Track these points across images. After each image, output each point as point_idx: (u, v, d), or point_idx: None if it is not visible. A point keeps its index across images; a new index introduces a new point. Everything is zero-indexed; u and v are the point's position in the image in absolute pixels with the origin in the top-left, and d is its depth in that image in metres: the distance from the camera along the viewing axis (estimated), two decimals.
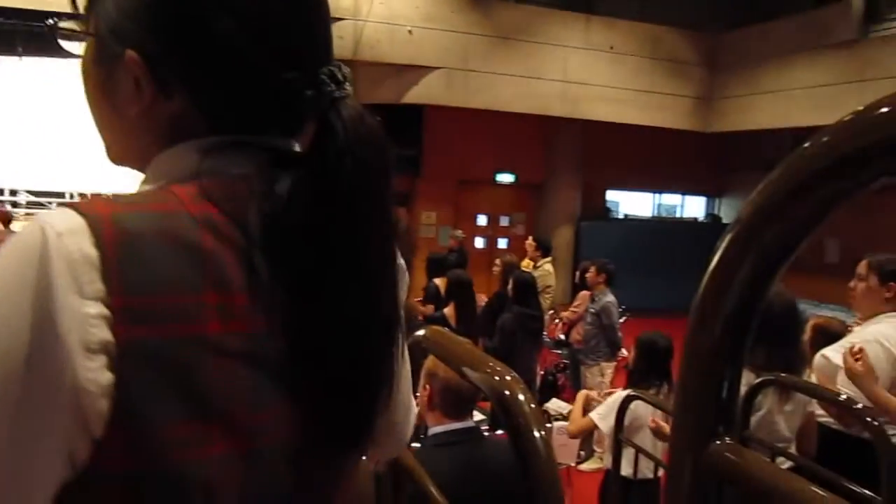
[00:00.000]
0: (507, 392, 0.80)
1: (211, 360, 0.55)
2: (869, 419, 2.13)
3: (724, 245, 0.50)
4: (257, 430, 0.59)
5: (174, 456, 0.55)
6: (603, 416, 3.61)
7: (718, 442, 0.49)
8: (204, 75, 0.64)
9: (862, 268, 2.90)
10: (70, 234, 0.52)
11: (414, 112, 11.48)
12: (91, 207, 0.55)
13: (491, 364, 0.91)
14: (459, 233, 9.86)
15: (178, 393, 0.54)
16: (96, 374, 0.51)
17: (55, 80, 9.42)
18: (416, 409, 0.85)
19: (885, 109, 0.43)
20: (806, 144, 0.47)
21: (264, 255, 0.59)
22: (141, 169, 0.68)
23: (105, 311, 0.52)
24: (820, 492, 0.48)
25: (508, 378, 0.81)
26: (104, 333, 0.52)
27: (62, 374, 0.51)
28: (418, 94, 10.67)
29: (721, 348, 0.50)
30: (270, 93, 0.65)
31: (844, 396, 2.38)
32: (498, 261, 6.55)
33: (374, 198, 0.64)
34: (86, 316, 0.51)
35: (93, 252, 0.52)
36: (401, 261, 0.74)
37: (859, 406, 2.23)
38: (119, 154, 0.71)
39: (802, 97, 10.66)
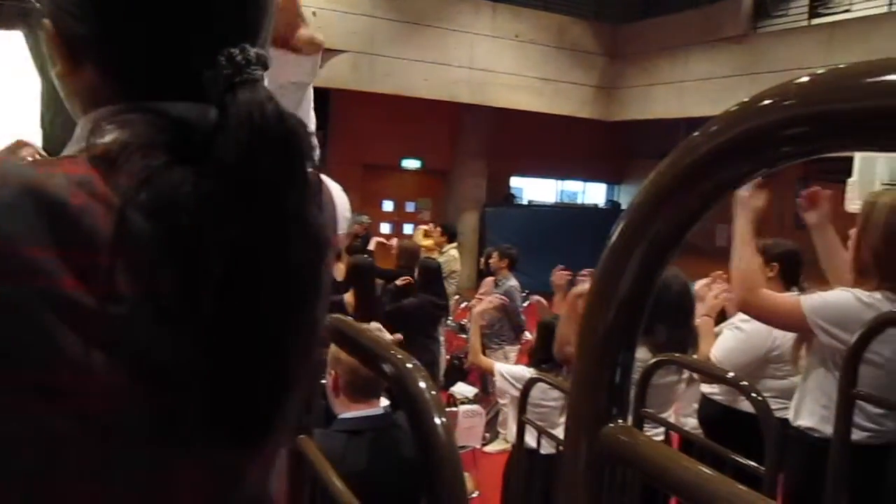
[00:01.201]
0: (406, 379, 0.79)
1: (59, 316, 0.55)
2: (753, 394, 2.25)
3: (617, 231, 0.51)
4: (89, 393, 0.57)
5: (18, 406, 0.56)
6: (503, 378, 3.69)
7: (612, 424, 0.50)
8: (109, 47, 0.64)
9: None
10: None
11: (319, 96, 11.27)
12: None
13: (392, 350, 0.90)
14: (365, 218, 9.79)
15: (24, 343, 0.54)
16: None
17: None
18: None
19: (767, 101, 0.45)
20: (695, 134, 0.48)
21: (144, 219, 0.57)
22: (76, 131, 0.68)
23: None
24: (706, 470, 0.50)
25: (409, 364, 0.81)
26: None
27: None
28: (324, 77, 10.49)
29: (615, 332, 0.50)
30: (171, 67, 0.63)
31: (732, 374, 2.50)
32: (395, 241, 6.52)
33: (275, 199, 0.60)
34: None
35: None
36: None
37: (745, 383, 2.35)
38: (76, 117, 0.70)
39: (697, 89, 11.12)
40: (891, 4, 9.16)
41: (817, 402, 2.27)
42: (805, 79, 0.44)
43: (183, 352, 0.58)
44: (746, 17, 10.73)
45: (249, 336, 0.60)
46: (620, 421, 0.50)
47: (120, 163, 0.58)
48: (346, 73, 10.51)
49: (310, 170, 0.64)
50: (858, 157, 7.18)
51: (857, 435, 2.07)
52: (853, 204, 6.61)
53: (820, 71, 0.43)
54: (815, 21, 10.21)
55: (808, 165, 11.00)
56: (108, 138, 0.60)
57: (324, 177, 0.75)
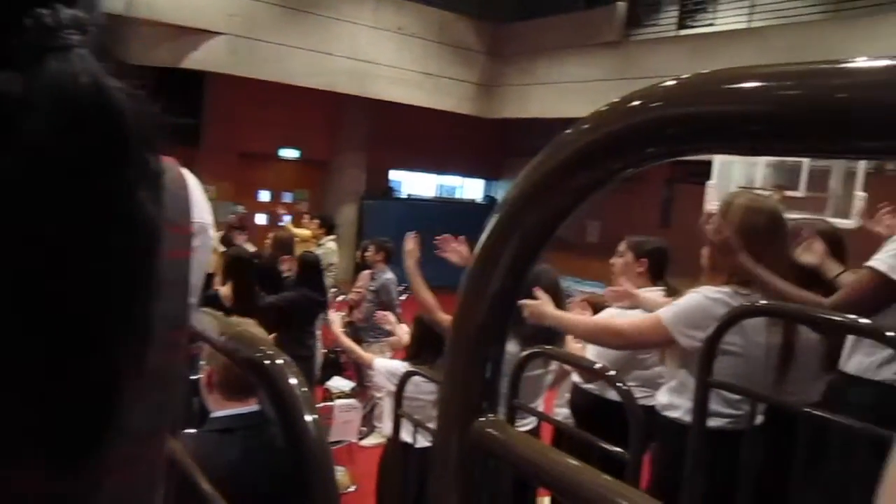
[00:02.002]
0: (277, 375, 0.77)
1: None
2: (619, 384, 2.35)
3: (490, 227, 0.51)
4: None
5: None
6: (380, 371, 3.69)
7: (483, 418, 0.50)
8: None
9: (621, 246, 3.21)
10: None
11: (194, 78, 10.83)
12: None
13: (262, 346, 0.87)
14: (241, 208, 9.51)
15: None
16: None
17: None
18: None
19: (636, 103, 0.46)
20: (566, 132, 0.49)
21: None
22: None
23: None
24: (572, 461, 0.51)
25: (279, 361, 0.78)
26: None
27: None
28: (199, 59, 10.08)
29: (486, 327, 0.51)
30: None
31: (599, 365, 2.61)
32: (270, 235, 6.37)
33: (89, 185, 0.52)
34: None
35: None
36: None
37: (611, 372, 2.46)
38: None
39: (573, 90, 11.51)
40: (750, 21, 9.85)
41: (680, 392, 2.40)
42: (670, 83, 0.45)
43: None
44: (620, 24, 11.22)
45: (64, 338, 0.52)
46: (491, 415, 0.50)
47: None
48: (223, 56, 10.14)
49: (144, 153, 0.56)
50: (717, 161, 7.68)
51: (716, 421, 2.21)
52: (712, 203, 7.07)
53: (684, 76, 0.45)
54: (683, 32, 10.82)
55: (673, 167, 11.64)
56: None
57: (172, 162, 0.69)
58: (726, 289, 2.27)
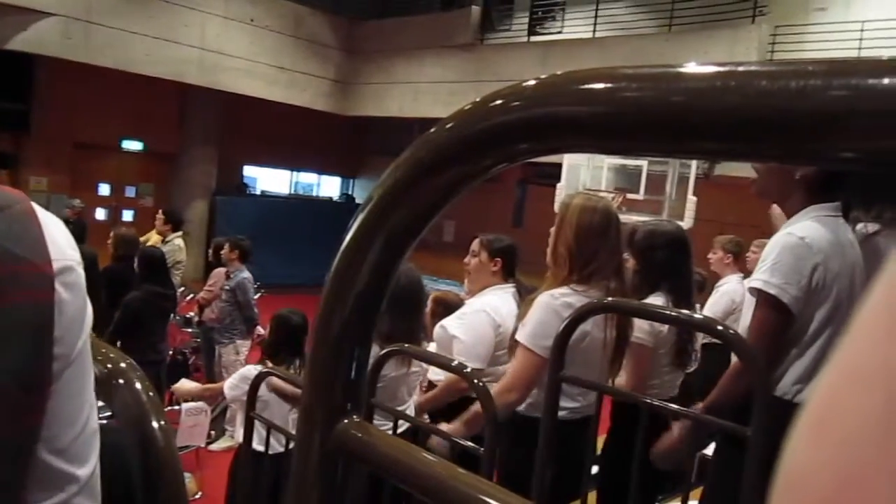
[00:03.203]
0: (121, 380, 0.72)
1: None
2: (475, 381, 2.40)
3: (355, 226, 0.50)
4: None
5: None
6: (232, 387, 3.57)
7: (346, 420, 0.49)
8: None
9: (475, 245, 3.26)
10: None
11: (21, 61, 9.96)
12: None
13: (103, 350, 0.81)
14: (77, 202, 8.86)
15: None
16: None
17: None
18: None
19: (497, 102, 0.47)
20: (430, 132, 0.49)
21: None
22: None
23: None
24: (430, 457, 0.51)
25: (122, 365, 0.73)
26: None
27: None
28: (27, 41, 9.27)
29: (351, 327, 0.50)
30: None
31: (456, 362, 2.65)
32: (112, 233, 5.99)
33: None
34: None
35: None
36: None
37: (468, 370, 2.50)
38: None
39: (429, 91, 11.65)
40: (594, 31, 10.38)
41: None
42: (530, 83, 0.46)
43: None
44: (475, 28, 11.48)
45: None
46: (355, 417, 0.49)
47: None
48: (55, 39, 9.39)
49: None
50: (566, 164, 8.04)
51: (560, 413, 2.30)
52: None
53: (544, 76, 0.46)
54: (534, 38, 11.24)
55: (525, 169, 12.06)
56: None
57: (18, 195, 0.61)
58: (564, 289, 2.38)
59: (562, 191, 7.86)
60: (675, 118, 0.39)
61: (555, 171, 8.33)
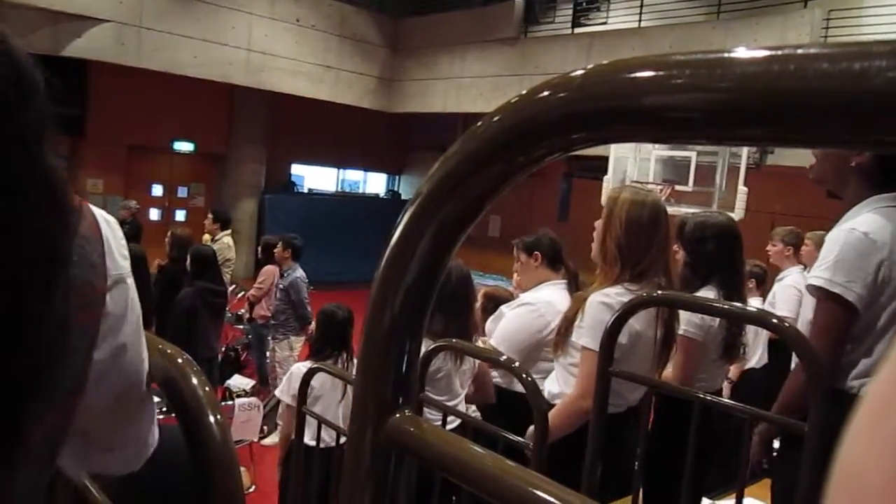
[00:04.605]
0: (177, 376, 0.73)
1: None
2: (524, 376, 2.39)
3: (404, 220, 0.50)
4: None
5: None
6: (284, 391, 3.62)
7: (398, 415, 0.49)
8: None
9: (519, 242, 3.25)
10: None
11: (76, 66, 10.26)
12: None
13: (160, 346, 0.83)
14: (133, 203, 9.09)
15: None
16: None
17: None
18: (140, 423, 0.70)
19: (544, 94, 0.46)
20: (477, 125, 0.49)
21: None
22: None
23: None
24: (482, 451, 0.51)
25: (179, 360, 0.75)
26: None
27: None
28: (82, 47, 9.54)
29: (401, 322, 0.50)
30: None
31: (505, 357, 2.64)
32: (168, 233, 6.15)
33: None
34: None
35: None
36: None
37: (515, 364, 2.49)
38: None
39: (472, 85, 11.63)
40: (639, 21, 10.23)
41: (567, 381, 2.47)
42: (578, 72, 0.46)
43: None
44: (518, 21, 11.41)
45: None
46: (407, 411, 0.49)
47: None
48: (108, 45, 9.64)
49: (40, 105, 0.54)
50: (612, 156, 7.95)
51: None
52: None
53: (591, 66, 0.45)
54: (578, 30, 11.12)
55: (570, 163, 11.97)
56: None
57: (94, 208, 0.63)
58: (619, 288, 2.35)
59: (608, 183, 7.78)
60: (729, 104, 0.39)
61: (600, 164, 8.24)
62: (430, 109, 12.46)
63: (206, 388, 0.73)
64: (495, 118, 0.46)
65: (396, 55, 12.89)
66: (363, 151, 14.76)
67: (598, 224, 2.47)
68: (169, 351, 0.78)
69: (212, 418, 0.70)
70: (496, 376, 3.12)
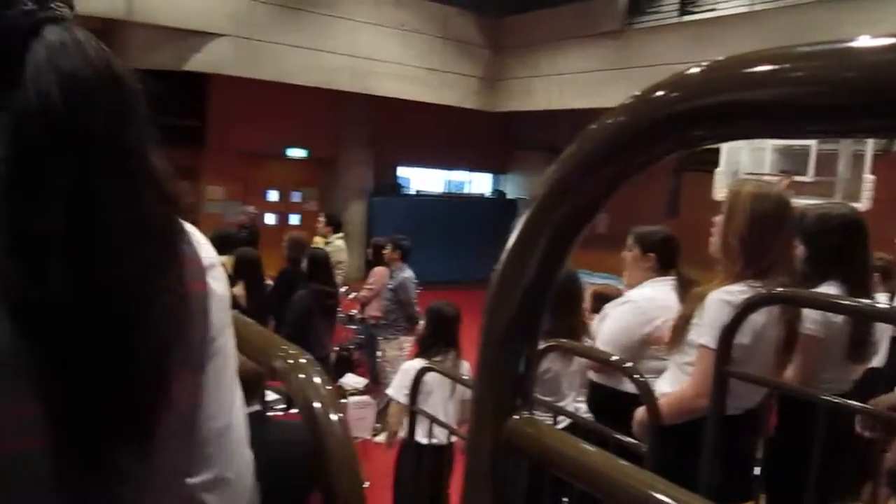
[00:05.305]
0: (301, 375, 0.77)
1: None
2: (636, 375, 2.35)
3: (521, 222, 0.50)
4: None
5: None
6: (398, 389, 3.69)
7: (517, 416, 0.50)
8: None
9: (629, 239, 3.18)
10: None
11: (196, 80, 10.84)
12: None
13: (283, 346, 0.87)
14: (251, 209, 9.53)
15: None
16: None
17: None
18: (238, 426, 0.74)
19: (661, 93, 0.45)
20: (593, 126, 0.49)
21: None
22: None
23: None
24: (604, 455, 0.51)
25: (302, 360, 0.78)
26: None
27: None
28: (201, 61, 10.07)
29: (518, 324, 0.50)
30: None
31: (615, 357, 2.60)
32: (285, 237, 6.40)
33: (105, 141, 0.53)
34: None
35: None
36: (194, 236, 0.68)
37: (627, 365, 2.45)
38: None
39: (575, 82, 11.47)
40: (752, 5, 9.78)
41: (679, 381, 2.40)
42: (695, 70, 0.45)
43: (51, 363, 0.51)
44: (622, 13, 11.16)
45: (101, 331, 0.53)
46: (525, 412, 0.49)
47: None
48: (225, 57, 10.14)
49: (146, 114, 0.58)
50: (725, 148, 7.64)
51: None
52: (720, 191, 7.03)
53: (704, 64, 0.44)
54: (685, 18, 10.75)
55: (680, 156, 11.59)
56: None
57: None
58: (741, 286, 2.25)
59: (721, 176, 7.48)
60: (859, 94, 0.37)
61: (711, 157, 7.93)
62: (533, 107, 12.37)
63: (329, 387, 0.75)
64: (611, 119, 0.45)
65: (498, 54, 12.88)
66: (468, 152, 14.84)
67: (719, 219, 2.37)
68: (292, 351, 0.81)
69: (334, 416, 0.73)
70: (601, 376, 3.06)
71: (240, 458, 0.73)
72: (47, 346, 0.51)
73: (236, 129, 11.84)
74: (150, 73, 0.59)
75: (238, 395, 0.74)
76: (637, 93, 0.47)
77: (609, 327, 2.96)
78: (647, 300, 2.93)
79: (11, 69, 0.52)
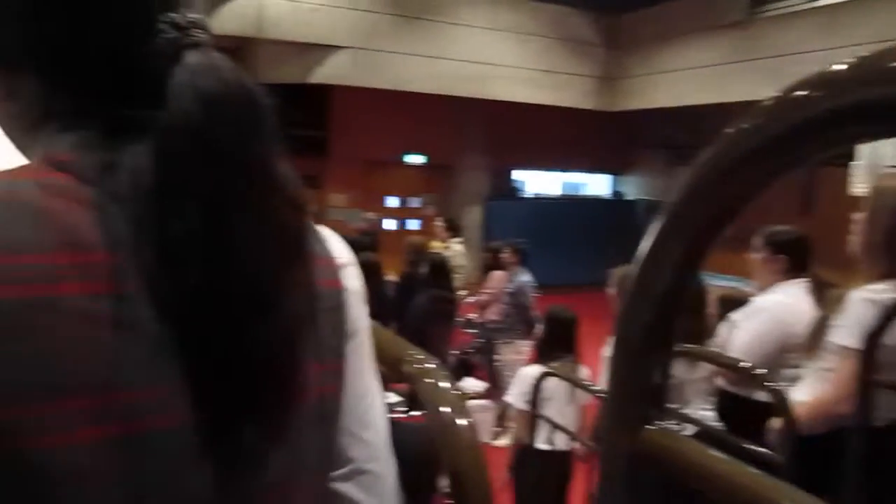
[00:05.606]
0: (430, 379, 0.78)
1: (68, 326, 0.51)
2: (769, 383, 2.24)
3: (654, 228, 0.49)
4: (136, 411, 0.53)
5: (28, 442, 0.50)
6: (514, 395, 3.69)
7: (652, 427, 0.48)
8: (46, 54, 0.61)
9: (757, 240, 3.03)
10: None
11: (320, 92, 11.27)
12: None
13: (410, 350, 0.89)
14: (372, 215, 9.79)
15: (28, 365, 0.50)
16: None
17: None
18: (380, 418, 0.77)
19: (805, 92, 0.43)
20: (731, 129, 0.47)
21: (124, 215, 0.56)
22: (29, 156, 0.64)
23: None
24: (750, 469, 0.48)
25: (430, 365, 0.79)
26: None
27: None
28: (324, 73, 10.47)
29: (653, 331, 0.49)
30: (113, 59, 0.60)
31: (745, 364, 2.49)
32: (405, 242, 6.54)
33: (238, 153, 0.58)
34: None
35: None
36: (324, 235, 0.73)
37: (759, 371, 2.34)
38: (17, 145, 0.67)
39: (696, 77, 11.05)
40: None
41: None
42: (838, 67, 0.42)
43: (193, 345, 0.56)
44: (747, 1, 10.65)
45: (241, 297, 0.58)
46: (661, 422, 0.48)
47: (78, 162, 0.57)
48: (346, 68, 10.48)
49: (277, 130, 0.63)
50: None
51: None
52: (859, 186, 6.58)
53: (862, 53, 0.42)
54: (817, 3, 10.12)
55: None
56: (61, 143, 0.60)
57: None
58: (886, 285, 2.11)
59: (859, 170, 6.99)
60: None
61: (848, 150, 7.42)
62: (654, 105, 12.02)
63: (456, 393, 0.76)
64: (751, 120, 0.43)
65: (616, 53, 12.61)
66: (586, 153, 14.61)
67: (860, 216, 2.23)
68: (419, 356, 0.83)
69: (462, 420, 0.74)
70: (729, 384, 2.93)
71: (379, 450, 0.76)
72: (185, 334, 0.55)
73: (357, 138, 12.19)
74: (278, 87, 0.64)
75: (377, 387, 0.77)
76: (778, 92, 0.45)
77: (743, 339, 2.82)
78: (781, 306, 2.79)
79: (157, 91, 0.57)
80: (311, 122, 11.40)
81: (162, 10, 0.60)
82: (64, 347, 0.51)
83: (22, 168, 0.59)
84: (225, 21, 8.94)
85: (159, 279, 0.55)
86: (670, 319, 0.49)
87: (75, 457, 0.51)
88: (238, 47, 9.84)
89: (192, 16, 0.61)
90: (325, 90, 11.34)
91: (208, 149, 0.57)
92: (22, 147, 0.65)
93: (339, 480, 0.72)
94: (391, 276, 6.62)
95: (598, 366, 3.53)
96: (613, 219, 13.46)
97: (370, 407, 0.75)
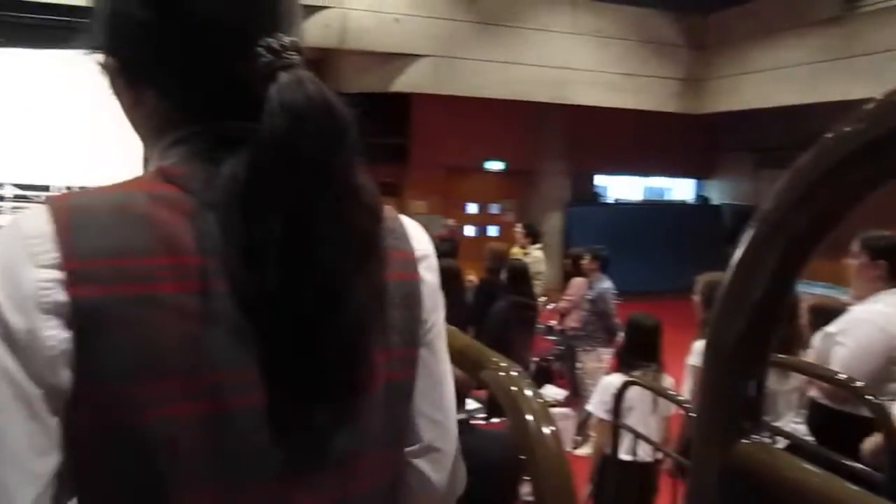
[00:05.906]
0: (514, 387, 0.77)
1: (165, 319, 0.60)
2: (869, 396, 2.13)
3: (749, 235, 0.47)
4: (222, 391, 0.61)
5: (133, 414, 0.59)
6: (598, 405, 3.62)
7: (746, 441, 0.47)
8: (163, 73, 0.70)
9: (855, 245, 2.89)
10: (32, 218, 0.61)
11: (401, 100, 11.43)
12: (55, 197, 0.63)
13: (493, 358, 0.88)
14: (451, 222, 9.85)
15: (133, 351, 0.59)
16: (53, 332, 0.57)
17: (39, 72, 9.31)
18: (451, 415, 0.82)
19: None
20: (830, 135, 0.45)
21: (217, 221, 0.63)
22: (149, 157, 0.74)
23: (59, 274, 0.58)
24: (852, 487, 0.46)
25: (514, 374, 0.79)
26: (58, 295, 0.58)
27: (28, 336, 0.57)
28: (405, 82, 10.61)
29: (748, 341, 0.47)
30: (219, 79, 0.69)
31: (843, 376, 2.37)
32: (487, 249, 6.53)
33: (319, 163, 0.64)
34: (40, 281, 0.58)
35: (48, 228, 0.59)
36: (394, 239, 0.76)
37: (858, 384, 2.23)
38: (145, 145, 0.76)
39: (787, 76, 10.65)
40: None
41: None
42: None
43: (275, 335, 0.63)
44: None
45: (317, 295, 0.64)
46: (756, 436, 0.46)
47: (186, 174, 0.66)
48: (426, 77, 10.59)
49: (358, 144, 0.67)
50: None
51: None
52: None
53: None
54: None
55: None
56: (173, 156, 0.68)
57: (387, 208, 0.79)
58: None
59: None
60: None
61: None
62: (741, 106, 11.63)
63: (540, 401, 0.76)
64: (853, 124, 0.41)
65: (701, 53, 12.28)
66: (668, 157, 14.27)
67: None
68: (503, 364, 0.83)
69: (547, 428, 0.73)
70: (823, 396, 2.79)
71: (449, 431, 0.81)
72: (263, 326, 0.63)
73: (437, 145, 12.28)
74: (360, 96, 0.69)
75: (449, 371, 0.81)
76: (881, 96, 0.43)
77: (844, 354, 2.68)
78: (883, 317, 2.65)
79: (255, 108, 0.64)
80: (392, 131, 11.57)
81: (261, 35, 0.67)
82: (161, 336, 0.60)
83: (138, 179, 0.68)
84: (309, 32, 9.16)
85: (242, 279, 0.62)
86: (766, 329, 0.47)
87: (171, 428, 0.60)
88: (321, 58, 10.09)
89: (286, 39, 0.67)
90: (405, 98, 11.49)
91: (292, 160, 0.63)
92: (148, 148, 0.74)
93: (412, 456, 0.78)
94: (471, 277, 6.63)
95: (681, 375, 3.43)
96: (698, 224, 13.11)
97: (444, 392, 0.80)
